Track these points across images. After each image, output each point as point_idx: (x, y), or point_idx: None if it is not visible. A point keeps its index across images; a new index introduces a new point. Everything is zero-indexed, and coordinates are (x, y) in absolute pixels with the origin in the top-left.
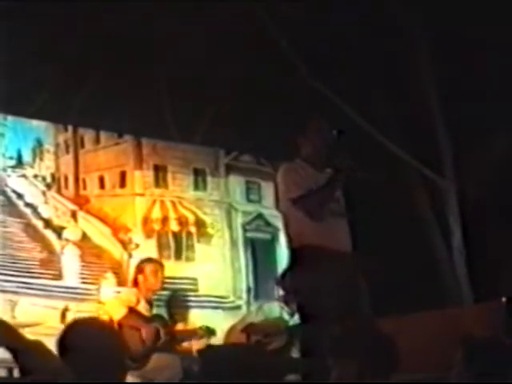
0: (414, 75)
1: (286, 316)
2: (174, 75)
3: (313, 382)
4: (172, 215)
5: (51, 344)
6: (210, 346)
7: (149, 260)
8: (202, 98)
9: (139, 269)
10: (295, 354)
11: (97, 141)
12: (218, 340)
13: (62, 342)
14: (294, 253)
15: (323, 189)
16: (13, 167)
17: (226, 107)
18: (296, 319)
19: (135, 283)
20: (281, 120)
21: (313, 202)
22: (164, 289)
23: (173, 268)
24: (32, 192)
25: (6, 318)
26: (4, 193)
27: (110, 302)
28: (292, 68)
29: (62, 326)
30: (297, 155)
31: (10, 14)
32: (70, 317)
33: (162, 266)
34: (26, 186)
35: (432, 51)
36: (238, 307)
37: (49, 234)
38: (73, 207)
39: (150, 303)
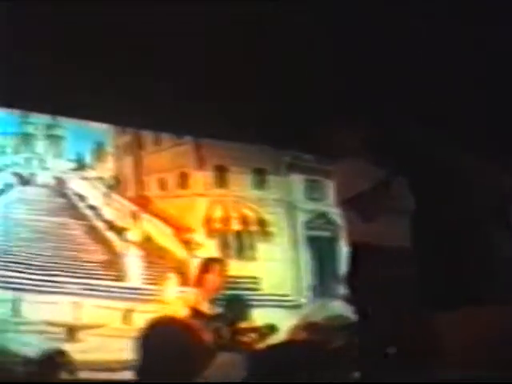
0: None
1: (348, 314)
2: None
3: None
4: (233, 215)
5: (114, 345)
6: (272, 345)
7: (216, 259)
8: (257, 98)
9: (206, 268)
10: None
11: (157, 143)
12: (280, 339)
13: (142, 340)
14: (352, 252)
15: (376, 188)
16: (74, 170)
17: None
18: (358, 317)
19: (199, 282)
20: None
21: (363, 203)
22: (226, 288)
23: (235, 267)
24: (93, 194)
25: (71, 319)
26: (66, 195)
27: (173, 302)
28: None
29: (125, 328)
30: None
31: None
32: (134, 318)
33: (227, 264)
34: (87, 189)
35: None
36: (300, 306)
37: (111, 236)
38: (135, 209)
39: (212, 302)
